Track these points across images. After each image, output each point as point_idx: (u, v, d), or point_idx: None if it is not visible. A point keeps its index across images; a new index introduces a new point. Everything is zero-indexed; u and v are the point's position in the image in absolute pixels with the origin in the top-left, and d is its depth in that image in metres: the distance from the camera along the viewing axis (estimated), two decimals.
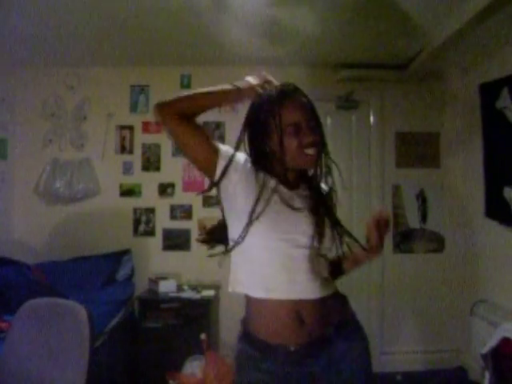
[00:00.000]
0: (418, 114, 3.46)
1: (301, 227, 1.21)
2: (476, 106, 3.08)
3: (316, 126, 1.23)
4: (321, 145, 1.24)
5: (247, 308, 1.28)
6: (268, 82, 1.30)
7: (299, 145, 1.20)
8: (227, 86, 1.26)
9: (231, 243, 1.25)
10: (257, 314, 1.24)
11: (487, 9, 2.06)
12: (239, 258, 1.25)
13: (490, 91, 2.92)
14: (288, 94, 1.24)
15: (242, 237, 1.18)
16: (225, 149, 1.25)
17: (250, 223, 1.16)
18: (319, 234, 1.23)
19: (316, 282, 1.21)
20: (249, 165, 1.26)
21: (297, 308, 1.18)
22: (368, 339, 1.32)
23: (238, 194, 1.21)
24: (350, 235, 1.33)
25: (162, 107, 1.20)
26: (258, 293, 1.21)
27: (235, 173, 1.22)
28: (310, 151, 1.21)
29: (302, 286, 1.20)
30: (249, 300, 1.26)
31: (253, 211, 1.16)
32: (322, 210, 1.26)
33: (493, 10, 2.09)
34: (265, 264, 1.20)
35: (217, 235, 1.37)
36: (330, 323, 1.23)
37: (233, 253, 1.26)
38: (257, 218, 1.16)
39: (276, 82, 1.31)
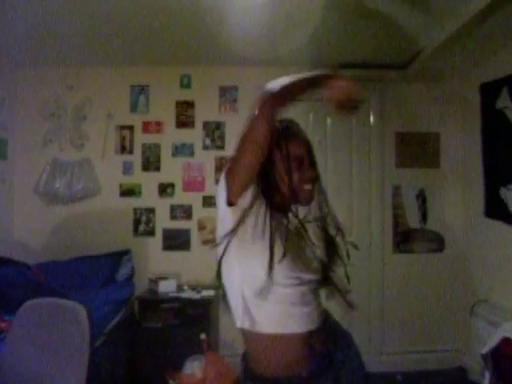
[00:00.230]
0: (418, 114, 3.46)
1: (311, 261, 1.29)
2: (476, 105, 3.08)
3: (314, 162, 1.30)
4: (316, 181, 1.30)
5: (251, 345, 1.26)
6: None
7: (299, 179, 1.26)
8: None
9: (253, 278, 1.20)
10: (267, 350, 1.22)
11: (487, 9, 2.06)
12: (251, 294, 1.21)
13: (489, 91, 2.92)
14: (293, 129, 1.32)
15: (269, 277, 1.16)
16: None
17: (271, 265, 1.15)
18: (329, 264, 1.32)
19: (320, 310, 1.28)
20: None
21: (309, 337, 1.21)
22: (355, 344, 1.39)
23: (255, 235, 1.18)
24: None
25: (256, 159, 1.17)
26: (273, 328, 1.20)
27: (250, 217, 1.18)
28: (308, 186, 1.27)
29: (312, 317, 1.24)
30: (257, 336, 1.22)
31: (272, 252, 1.16)
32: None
33: (492, 11, 2.09)
34: (280, 301, 1.19)
35: None
36: (328, 340, 1.26)
37: (244, 288, 1.22)
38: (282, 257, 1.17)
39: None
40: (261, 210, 1.18)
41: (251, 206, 1.16)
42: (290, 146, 1.27)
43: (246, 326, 1.21)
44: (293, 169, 1.25)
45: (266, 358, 1.22)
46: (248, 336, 1.24)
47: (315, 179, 1.29)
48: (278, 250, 1.16)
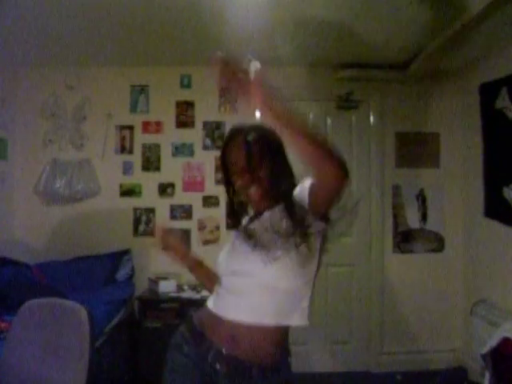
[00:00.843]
0: (418, 114, 3.46)
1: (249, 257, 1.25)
2: (476, 105, 3.08)
3: (259, 165, 1.27)
4: (263, 184, 1.28)
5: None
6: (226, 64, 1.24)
7: (241, 185, 1.30)
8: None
9: None
10: (206, 316, 1.36)
11: (487, 9, 2.06)
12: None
13: (489, 91, 2.92)
14: (230, 135, 1.34)
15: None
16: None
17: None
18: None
19: (255, 312, 1.23)
20: None
21: (230, 325, 1.24)
22: None
23: None
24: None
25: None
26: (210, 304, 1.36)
27: None
28: (252, 190, 1.28)
29: (239, 309, 1.25)
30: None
31: None
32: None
33: (493, 10, 2.09)
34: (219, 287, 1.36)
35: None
36: (261, 357, 1.23)
37: None
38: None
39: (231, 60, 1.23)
40: None
41: None
42: (226, 153, 1.34)
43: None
44: (233, 174, 1.32)
45: (203, 319, 1.40)
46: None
47: (251, 183, 1.27)
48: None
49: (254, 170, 1.27)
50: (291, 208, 1.22)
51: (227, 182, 1.37)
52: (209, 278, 1.54)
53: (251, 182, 1.28)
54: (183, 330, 1.42)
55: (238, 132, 1.33)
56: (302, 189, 1.21)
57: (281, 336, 1.26)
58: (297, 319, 1.24)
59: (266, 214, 1.30)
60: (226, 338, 1.24)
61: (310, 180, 1.19)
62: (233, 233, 1.40)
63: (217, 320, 1.29)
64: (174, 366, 1.38)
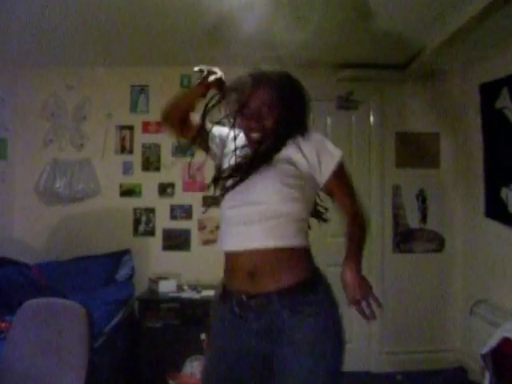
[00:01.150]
0: (418, 114, 3.46)
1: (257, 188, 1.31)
2: (476, 106, 3.08)
3: (267, 113, 1.34)
4: (266, 132, 1.35)
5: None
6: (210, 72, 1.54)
7: (246, 127, 1.38)
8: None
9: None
10: (225, 265, 1.39)
11: (487, 9, 2.06)
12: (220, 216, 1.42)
13: (489, 91, 2.92)
14: (251, 80, 1.39)
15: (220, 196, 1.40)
16: (215, 133, 1.52)
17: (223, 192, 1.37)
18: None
19: (269, 234, 1.28)
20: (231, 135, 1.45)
21: (249, 259, 1.28)
22: (337, 316, 1.36)
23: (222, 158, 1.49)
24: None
25: (163, 120, 1.53)
26: (224, 246, 1.37)
27: (221, 142, 1.51)
28: (254, 135, 1.36)
29: (253, 237, 1.29)
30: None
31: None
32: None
33: (493, 10, 2.09)
34: (226, 221, 1.37)
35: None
36: (281, 282, 1.26)
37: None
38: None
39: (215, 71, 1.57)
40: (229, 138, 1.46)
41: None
42: (240, 95, 1.38)
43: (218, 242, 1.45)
44: (241, 116, 1.38)
45: (224, 271, 1.39)
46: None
47: (259, 130, 1.34)
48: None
49: (262, 118, 1.34)
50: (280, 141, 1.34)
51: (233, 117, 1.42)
52: (184, 108, 1.51)
53: (256, 129, 1.35)
54: (214, 295, 1.48)
55: (257, 75, 1.40)
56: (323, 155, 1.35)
57: (297, 256, 1.30)
58: (302, 240, 1.33)
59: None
60: (245, 279, 1.28)
61: (336, 161, 1.37)
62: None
63: (234, 263, 1.32)
64: (216, 333, 1.41)
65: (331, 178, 1.35)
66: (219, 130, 1.52)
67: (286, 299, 1.24)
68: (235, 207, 1.33)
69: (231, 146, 1.44)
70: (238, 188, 1.31)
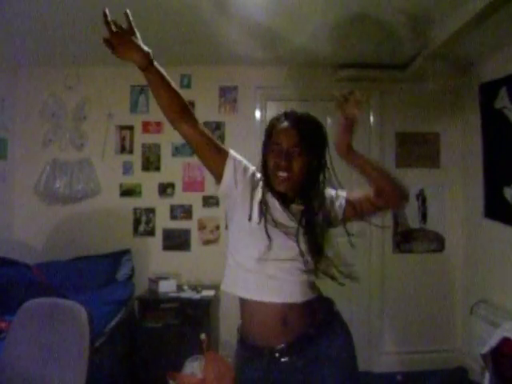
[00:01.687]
0: (418, 114, 3.46)
1: (287, 243, 1.32)
2: (476, 105, 3.08)
3: (299, 153, 1.32)
4: (297, 173, 1.33)
5: (240, 312, 1.42)
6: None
7: (274, 165, 1.34)
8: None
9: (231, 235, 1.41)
10: (245, 318, 1.39)
11: (487, 9, 2.06)
12: (232, 262, 1.38)
13: (489, 91, 2.92)
14: (284, 118, 1.37)
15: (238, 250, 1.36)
16: (234, 153, 1.41)
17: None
18: (303, 251, 1.32)
19: (301, 288, 1.34)
20: (256, 178, 1.41)
21: (282, 311, 1.31)
22: (351, 335, 1.50)
23: (238, 201, 1.38)
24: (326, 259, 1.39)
25: (165, 116, 1.46)
26: (243, 294, 1.36)
27: (242, 177, 1.39)
28: (282, 174, 1.32)
29: (287, 292, 1.32)
30: (241, 304, 1.40)
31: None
32: (309, 228, 1.35)
33: (493, 10, 2.08)
34: (252, 271, 1.32)
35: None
36: (313, 323, 1.35)
37: (228, 255, 1.40)
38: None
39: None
40: (253, 180, 1.40)
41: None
42: (274, 133, 1.36)
43: (226, 288, 1.39)
44: (270, 154, 1.35)
45: (245, 326, 1.38)
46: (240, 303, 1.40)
47: (289, 169, 1.32)
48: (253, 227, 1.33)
49: (292, 157, 1.32)
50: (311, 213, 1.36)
51: (264, 158, 1.39)
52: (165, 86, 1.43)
53: (284, 169, 1.32)
54: (239, 351, 1.44)
55: (294, 116, 1.37)
56: (336, 198, 1.41)
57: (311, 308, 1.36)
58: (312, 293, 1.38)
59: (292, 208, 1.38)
60: (276, 334, 1.31)
61: (345, 193, 1.43)
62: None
63: (262, 315, 1.32)
64: None
65: (347, 205, 1.42)
66: (244, 162, 1.43)
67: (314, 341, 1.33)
68: (267, 260, 1.31)
69: (259, 191, 1.39)
70: (265, 241, 1.30)
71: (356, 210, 1.41)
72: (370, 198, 1.38)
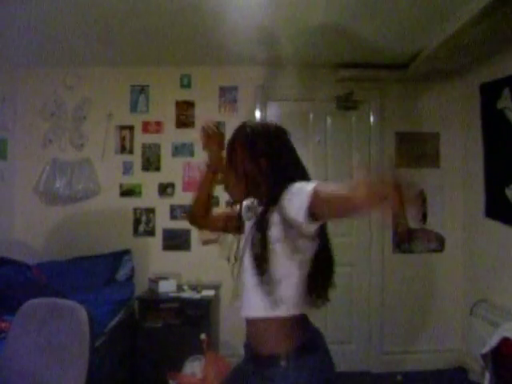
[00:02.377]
0: (418, 114, 3.46)
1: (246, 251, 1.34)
2: (476, 106, 3.08)
3: (232, 166, 1.37)
4: (236, 183, 1.38)
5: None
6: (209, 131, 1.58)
7: (223, 179, 1.45)
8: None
9: None
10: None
11: (487, 9, 2.06)
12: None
13: (490, 91, 2.92)
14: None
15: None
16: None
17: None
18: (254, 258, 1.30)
19: (260, 303, 1.28)
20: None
21: (248, 324, 1.35)
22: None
23: None
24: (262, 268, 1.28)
25: (191, 222, 1.69)
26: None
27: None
28: (230, 187, 1.42)
29: (247, 305, 1.34)
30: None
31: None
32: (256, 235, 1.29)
33: (492, 11, 2.08)
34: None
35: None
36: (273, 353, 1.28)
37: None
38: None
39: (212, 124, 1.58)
40: None
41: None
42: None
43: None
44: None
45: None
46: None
47: (227, 180, 1.40)
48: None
49: (233, 167, 1.37)
50: (261, 223, 1.28)
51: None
52: (204, 200, 1.63)
53: (230, 179, 1.39)
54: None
55: (236, 128, 1.43)
56: (299, 192, 1.16)
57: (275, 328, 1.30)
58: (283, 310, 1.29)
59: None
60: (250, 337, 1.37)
61: (311, 186, 1.14)
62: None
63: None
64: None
65: (314, 200, 1.12)
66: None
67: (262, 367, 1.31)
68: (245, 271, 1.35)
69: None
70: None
71: (324, 207, 1.12)
72: (345, 194, 1.07)
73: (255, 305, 1.30)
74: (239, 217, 1.47)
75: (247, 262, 1.31)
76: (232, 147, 1.38)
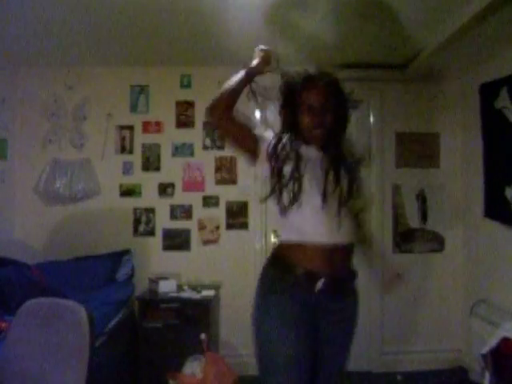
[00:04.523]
0: (418, 113, 3.46)
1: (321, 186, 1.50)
2: (476, 105, 3.08)
3: (329, 110, 1.50)
4: (329, 127, 1.51)
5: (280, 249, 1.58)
6: (266, 54, 1.77)
7: (309, 124, 1.51)
8: (241, 71, 1.76)
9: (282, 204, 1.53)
10: (294, 249, 1.51)
11: (487, 9, 2.06)
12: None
13: (489, 91, 2.92)
14: (310, 78, 1.56)
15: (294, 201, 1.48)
16: (263, 136, 1.60)
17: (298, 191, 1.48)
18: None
19: (342, 230, 1.50)
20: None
21: (331, 251, 1.50)
22: None
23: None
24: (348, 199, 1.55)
25: (212, 110, 1.74)
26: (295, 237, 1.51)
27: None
28: (316, 131, 1.51)
29: (341, 232, 1.50)
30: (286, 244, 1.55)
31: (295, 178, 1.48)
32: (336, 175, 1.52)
33: (492, 11, 2.09)
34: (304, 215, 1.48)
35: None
36: (346, 270, 1.61)
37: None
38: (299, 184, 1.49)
39: (270, 49, 1.77)
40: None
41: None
42: (303, 94, 1.53)
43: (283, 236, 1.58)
44: (303, 114, 1.52)
45: (291, 252, 1.54)
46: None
47: (324, 125, 1.49)
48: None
49: (326, 112, 1.50)
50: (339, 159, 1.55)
51: (290, 121, 1.56)
52: (235, 93, 1.77)
53: (319, 125, 1.50)
54: (270, 271, 1.58)
55: (317, 77, 1.58)
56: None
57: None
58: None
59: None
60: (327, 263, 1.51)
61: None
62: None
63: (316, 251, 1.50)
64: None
65: None
66: (266, 134, 1.62)
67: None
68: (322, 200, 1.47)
69: (287, 146, 1.55)
70: (317, 186, 1.48)
71: None
72: None
73: (349, 231, 1.53)
74: (274, 147, 1.55)
75: (333, 195, 1.48)
76: (335, 94, 1.55)
